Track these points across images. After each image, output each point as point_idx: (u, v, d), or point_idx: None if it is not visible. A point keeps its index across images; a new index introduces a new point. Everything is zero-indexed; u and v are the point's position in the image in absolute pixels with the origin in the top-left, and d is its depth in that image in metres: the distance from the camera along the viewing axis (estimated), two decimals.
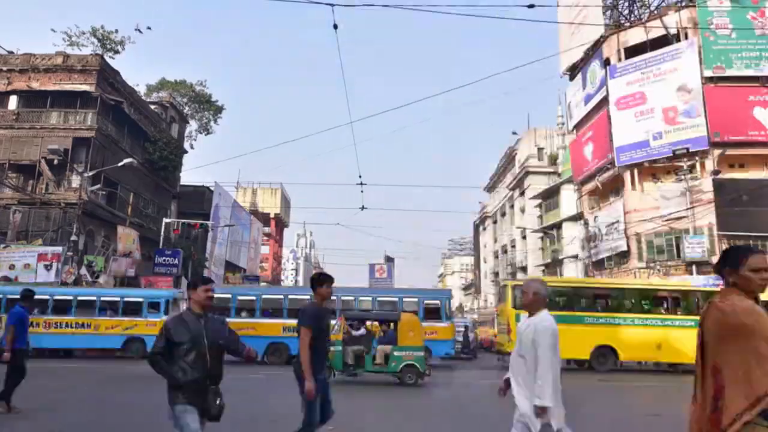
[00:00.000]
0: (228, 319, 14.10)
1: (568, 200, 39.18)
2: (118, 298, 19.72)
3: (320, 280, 4.73)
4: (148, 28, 58.56)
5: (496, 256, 59.63)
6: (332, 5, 10.86)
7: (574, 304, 18.11)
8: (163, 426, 4.28)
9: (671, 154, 27.74)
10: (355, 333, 14.34)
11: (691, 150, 27.31)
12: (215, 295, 3.99)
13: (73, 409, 8.61)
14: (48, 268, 24.35)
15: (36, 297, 8.42)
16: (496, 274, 58.96)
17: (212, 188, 40.70)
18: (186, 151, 41.72)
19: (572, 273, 36.76)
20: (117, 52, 38.21)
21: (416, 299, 18.83)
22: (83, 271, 25.28)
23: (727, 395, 2.15)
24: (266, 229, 63.52)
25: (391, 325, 13.34)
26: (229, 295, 18.74)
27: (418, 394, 11.36)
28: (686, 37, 28.89)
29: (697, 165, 27.76)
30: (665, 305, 18.59)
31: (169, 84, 44.58)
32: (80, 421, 7.53)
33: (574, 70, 36.31)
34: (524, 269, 47.56)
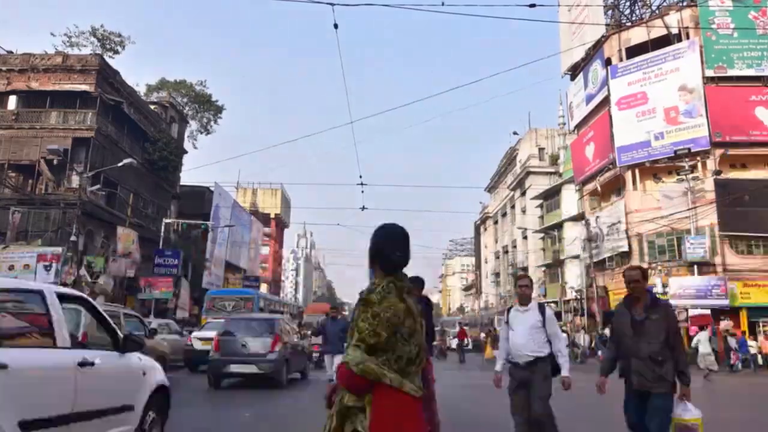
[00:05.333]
0: None
1: (569, 200, 39.07)
2: None
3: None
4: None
5: (497, 257, 59.51)
6: (332, 5, 10.78)
7: None
8: None
9: (673, 154, 27.63)
10: None
11: (692, 150, 27.22)
12: None
13: None
14: (47, 268, 24.20)
15: None
16: (497, 274, 58.88)
17: (212, 188, 40.59)
18: (186, 151, 41.63)
19: (574, 273, 36.65)
20: (117, 52, 38.15)
21: None
22: (83, 271, 25.16)
23: None
24: (266, 230, 63.47)
25: None
26: None
27: None
28: (688, 37, 28.80)
29: (699, 165, 27.67)
30: None
31: (169, 84, 44.47)
32: None
33: (575, 70, 36.21)
34: (525, 269, 47.46)
